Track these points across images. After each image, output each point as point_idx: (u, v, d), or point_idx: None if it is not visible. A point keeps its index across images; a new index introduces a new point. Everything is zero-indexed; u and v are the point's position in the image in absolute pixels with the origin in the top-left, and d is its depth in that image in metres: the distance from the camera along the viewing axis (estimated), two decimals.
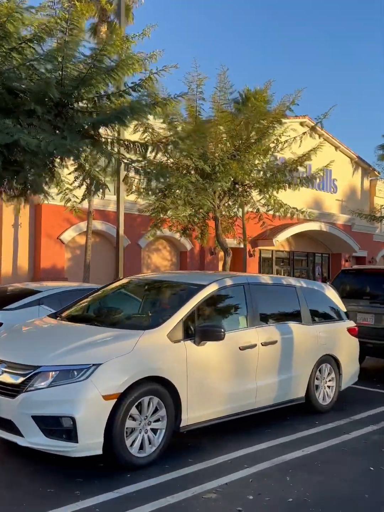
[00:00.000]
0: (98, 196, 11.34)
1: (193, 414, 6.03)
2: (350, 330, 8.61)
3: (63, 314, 6.94)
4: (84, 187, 11.46)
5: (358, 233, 33.63)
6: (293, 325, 7.60)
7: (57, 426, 5.16)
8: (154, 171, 10.59)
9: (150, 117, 11.24)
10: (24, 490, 5.02)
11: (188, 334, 6.11)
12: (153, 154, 12.08)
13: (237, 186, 16.16)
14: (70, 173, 11.23)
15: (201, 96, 14.65)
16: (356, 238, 32.53)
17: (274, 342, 7.09)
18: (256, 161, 15.82)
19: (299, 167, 16.25)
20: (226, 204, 16.69)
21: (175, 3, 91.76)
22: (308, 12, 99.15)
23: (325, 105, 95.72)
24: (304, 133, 16.68)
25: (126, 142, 10.43)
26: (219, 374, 6.36)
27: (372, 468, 5.85)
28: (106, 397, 5.19)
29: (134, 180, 12.76)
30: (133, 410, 5.46)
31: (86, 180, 10.83)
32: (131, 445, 5.46)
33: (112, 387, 5.25)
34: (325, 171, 32.61)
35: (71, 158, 9.67)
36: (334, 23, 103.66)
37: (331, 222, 31.84)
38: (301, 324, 7.76)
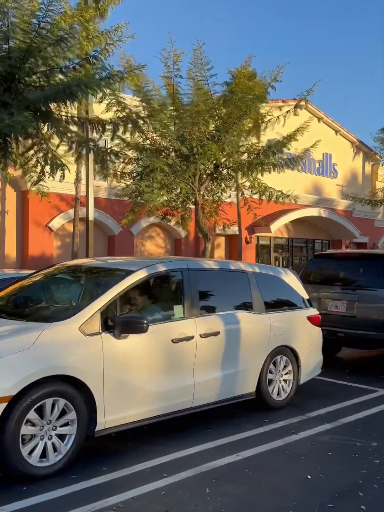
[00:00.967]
0: (54, 177, 10.54)
1: (112, 417, 5.29)
2: (311, 319, 7.83)
3: None
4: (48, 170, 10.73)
5: (359, 219, 32.66)
6: (241, 314, 6.82)
7: None
8: (114, 150, 9.81)
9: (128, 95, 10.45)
10: None
11: (108, 327, 5.36)
12: (129, 135, 11.40)
13: (220, 169, 15.35)
14: (25, 152, 10.47)
15: (179, 74, 13.82)
16: (357, 224, 31.57)
17: (216, 333, 6.33)
18: (240, 143, 14.98)
19: (284, 148, 15.24)
20: (210, 188, 15.88)
21: None
22: None
23: (325, 89, 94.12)
24: (288, 111, 15.76)
25: (81, 120, 9.64)
26: (146, 371, 5.61)
27: (309, 477, 5.08)
28: None
29: (108, 163, 11.95)
30: (32, 415, 4.72)
31: (40, 161, 10.07)
32: (30, 453, 4.73)
33: (1, 390, 4.51)
34: (325, 156, 32.10)
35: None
36: (334, 12, 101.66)
37: (331, 207, 30.91)
38: (252, 313, 6.99)
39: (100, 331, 5.26)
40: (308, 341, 7.76)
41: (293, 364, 7.44)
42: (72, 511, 4.27)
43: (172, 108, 13.74)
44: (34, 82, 9.14)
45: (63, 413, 4.97)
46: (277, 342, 7.19)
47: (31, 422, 4.73)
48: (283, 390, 7.32)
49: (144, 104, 13.20)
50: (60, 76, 9.28)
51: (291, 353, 7.42)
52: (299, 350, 7.49)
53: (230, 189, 16.06)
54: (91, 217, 13.37)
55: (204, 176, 15.17)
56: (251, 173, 15.19)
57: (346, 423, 6.71)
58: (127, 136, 13.41)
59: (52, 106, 9.41)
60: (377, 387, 8.45)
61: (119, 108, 12.15)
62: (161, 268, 6.16)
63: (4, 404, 4.51)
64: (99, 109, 13.12)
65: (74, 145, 9.86)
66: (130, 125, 10.41)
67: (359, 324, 9.29)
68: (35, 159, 10.31)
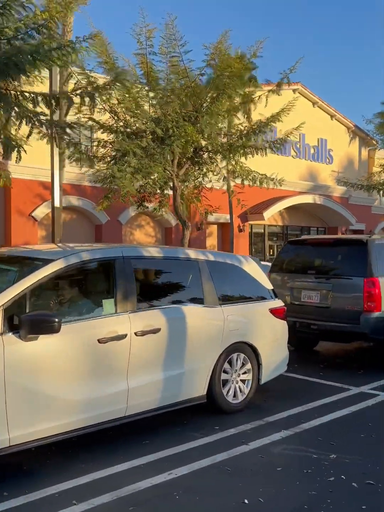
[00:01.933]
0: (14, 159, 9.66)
1: (18, 432, 4.43)
2: (274, 311, 6.95)
3: None
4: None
5: (356, 206, 31.67)
6: (189, 308, 5.95)
7: None
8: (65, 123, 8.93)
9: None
10: None
11: (13, 327, 4.49)
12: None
13: (201, 152, 14.43)
14: None
15: (152, 51, 12.86)
16: (353, 211, 30.60)
17: (156, 331, 5.46)
18: (220, 125, 14.04)
19: (266, 130, 14.25)
20: (191, 173, 14.95)
21: None
22: None
23: (321, 74, 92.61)
24: (270, 90, 14.78)
25: (32, 95, 8.74)
26: (63, 377, 4.75)
27: (246, 501, 4.22)
28: None
29: (68, 145, 11.03)
30: None
31: None
32: None
33: None
34: (320, 141, 31.04)
35: None
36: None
37: (327, 194, 29.94)
38: (202, 306, 6.11)
39: (2, 331, 4.40)
40: (271, 336, 6.88)
41: (252, 362, 6.58)
42: None
43: (140, 86, 12.81)
44: None
45: None
46: (233, 338, 6.32)
47: None
48: (240, 391, 6.46)
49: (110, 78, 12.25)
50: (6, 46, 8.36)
51: (250, 350, 6.55)
52: (259, 347, 6.62)
53: (213, 174, 15.10)
54: (56, 203, 12.43)
55: (184, 160, 14.26)
56: (233, 156, 14.25)
57: (307, 429, 5.85)
58: (97, 115, 12.60)
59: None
60: (351, 385, 7.58)
61: (81, 83, 11.17)
62: (86, 257, 5.28)
63: None
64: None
65: (24, 121, 8.92)
66: (86, 99, 9.45)
67: (334, 315, 8.41)
68: None
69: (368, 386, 7.53)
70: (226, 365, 6.30)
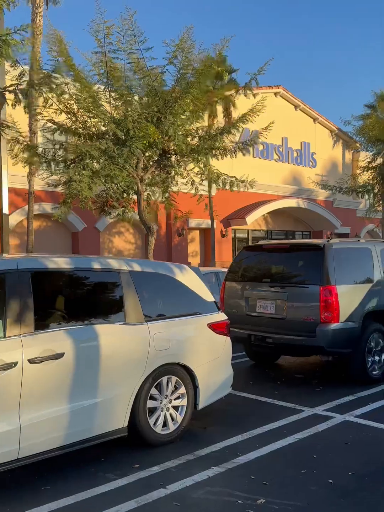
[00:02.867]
0: None
1: None
2: (214, 326, 6.05)
3: None
4: None
5: (340, 209, 30.88)
6: (103, 327, 5.06)
7: None
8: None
9: None
10: None
11: None
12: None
13: (168, 155, 13.57)
14: None
15: (111, 48, 12.00)
16: (338, 214, 29.82)
17: (57, 356, 4.58)
18: (188, 126, 13.18)
19: (234, 131, 13.42)
20: (158, 176, 14.10)
21: None
22: None
23: (304, 77, 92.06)
24: (237, 91, 13.95)
25: None
26: None
27: None
28: None
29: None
30: None
31: None
32: None
33: None
34: (303, 145, 30.22)
35: None
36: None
37: (311, 198, 29.13)
38: (122, 324, 5.22)
39: None
40: (210, 355, 5.98)
41: (187, 385, 5.68)
42: None
43: (96, 85, 11.97)
44: None
45: None
46: (162, 360, 5.43)
47: None
48: (172, 420, 5.56)
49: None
50: None
51: (184, 372, 5.66)
52: (195, 367, 5.73)
53: (181, 177, 14.24)
54: (5, 209, 11.45)
55: (150, 163, 13.42)
56: (200, 158, 13.40)
57: (241, 465, 4.96)
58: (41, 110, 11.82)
59: None
60: (305, 405, 6.69)
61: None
62: None
63: None
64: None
65: None
66: (20, 96, 8.60)
67: (289, 327, 7.53)
68: None
69: (324, 407, 6.64)
70: (154, 391, 5.40)
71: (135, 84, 12.19)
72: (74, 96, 11.83)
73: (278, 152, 28.76)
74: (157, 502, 4.24)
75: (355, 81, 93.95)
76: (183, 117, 12.53)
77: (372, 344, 7.67)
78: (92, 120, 12.31)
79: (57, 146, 12.74)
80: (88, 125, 12.44)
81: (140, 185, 12.91)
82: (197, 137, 13.47)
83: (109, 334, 5.06)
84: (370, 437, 5.61)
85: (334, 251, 7.45)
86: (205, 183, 14.02)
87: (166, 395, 5.53)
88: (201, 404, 5.84)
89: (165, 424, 5.49)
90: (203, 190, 13.93)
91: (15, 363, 4.30)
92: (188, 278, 6.09)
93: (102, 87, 12.40)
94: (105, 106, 12.33)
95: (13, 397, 4.30)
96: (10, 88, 8.71)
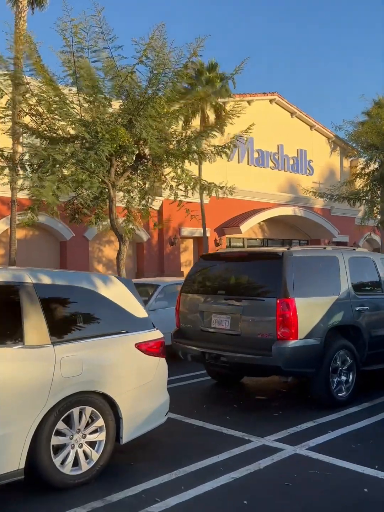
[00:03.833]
0: None
1: None
2: (143, 347, 5.16)
3: None
4: None
5: (338, 217, 29.94)
6: None
7: None
8: None
9: None
10: None
11: None
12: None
13: (144, 160, 12.74)
14: None
15: (79, 47, 11.18)
16: (336, 223, 28.90)
17: None
18: (161, 128, 12.32)
19: (211, 135, 12.57)
20: (136, 183, 13.28)
21: None
22: None
23: (300, 83, 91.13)
24: (210, 95, 13.10)
25: None
26: None
27: None
28: None
29: None
30: None
31: None
32: None
33: None
34: (300, 152, 29.32)
35: None
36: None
37: (308, 206, 28.23)
38: (19, 347, 4.35)
39: None
40: (137, 380, 5.09)
41: (106, 417, 4.78)
42: None
43: (61, 86, 11.19)
44: None
45: None
46: (72, 388, 4.54)
47: None
48: (86, 458, 4.67)
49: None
50: None
51: (102, 401, 4.77)
52: (117, 395, 4.84)
53: (158, 183, 13.40)
54: None
55: (123, 168, 12.59)
56: (177, 163, 12.55)
57: None
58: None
59: None
60: (255, 435, 5.76)
61: None
62: None
63: None
64: None
65: None
66: None
67: (244, 345, 6.62)
68: None
69: (275, 436, 5.71)
70: (62, 425, 4.52)
71: (104, 84, 11.36)
72: (36, 98, 11.03)
73: (273, 160, 27.91)
74: None
75: (354, 88, 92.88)
76: (157, 119, 11.66)
77: (338, 363, 6.74)
78: (59, 122, 11.50)
79: (22, 150, 11.95)
80: (55, 127, 11.62)
81: (112, 191, 12.08)
82: (175, 141, 12.62)
83: (1, 360, 4.18)
84: (316, 476, 4.69)
85: (294, 260, 6.54)
86: (182, 187, 13.12)
87: (79, 429, 4.64)
88: (126, 438, 4.95)
89: (76, 463, 4.60)
90: (183, 196, 13.05)
91: None
92: (114, 291, 5.22)
93: (74, 89, 11.60)
94: (76, 108, 11.54)
95: None
96: None
